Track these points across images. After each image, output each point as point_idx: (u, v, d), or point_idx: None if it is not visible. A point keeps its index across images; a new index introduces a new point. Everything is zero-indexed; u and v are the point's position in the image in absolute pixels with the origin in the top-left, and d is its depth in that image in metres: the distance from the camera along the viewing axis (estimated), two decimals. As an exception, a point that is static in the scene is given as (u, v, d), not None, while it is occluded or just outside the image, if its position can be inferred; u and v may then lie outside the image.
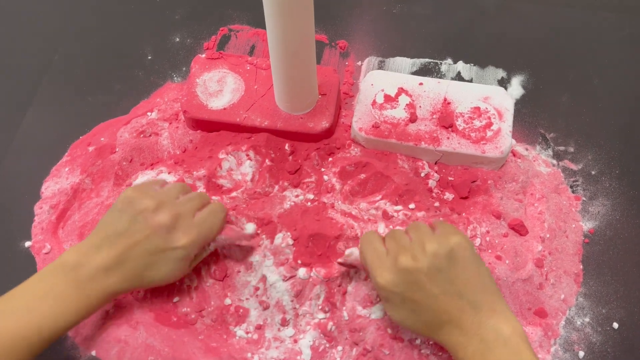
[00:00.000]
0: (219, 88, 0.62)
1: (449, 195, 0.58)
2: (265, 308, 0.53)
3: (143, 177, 0.59)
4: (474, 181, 0.58)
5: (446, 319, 0.44)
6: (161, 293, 0.54)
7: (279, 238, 0.55)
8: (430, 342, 0.51)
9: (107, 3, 0.76)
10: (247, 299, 0.53)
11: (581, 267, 0.56)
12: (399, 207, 0.56)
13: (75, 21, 0.74)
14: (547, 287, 0.54)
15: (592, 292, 0.55)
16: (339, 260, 0.51)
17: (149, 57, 0.70)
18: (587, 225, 0.59)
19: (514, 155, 0.60)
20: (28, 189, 0.61)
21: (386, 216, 0.56)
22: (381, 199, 0.57)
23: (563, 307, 0.54)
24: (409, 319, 0.46)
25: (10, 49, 0.72)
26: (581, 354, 0.52)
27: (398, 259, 0.45)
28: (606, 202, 0.60)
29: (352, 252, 0.50)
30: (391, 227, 0.55)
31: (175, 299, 0.54)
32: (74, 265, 0.47)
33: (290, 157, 0.60)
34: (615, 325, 0.53)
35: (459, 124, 0.58)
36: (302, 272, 0.53)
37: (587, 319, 0.54)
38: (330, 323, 0.52)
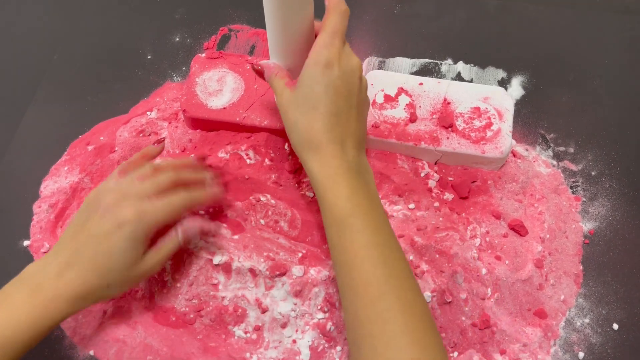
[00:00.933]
0: (218, 87, 0.62)
1: (448, 196, 0.58)
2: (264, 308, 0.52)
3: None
4: (474, 181, 0.58)
5: (330, 134, 0.46)
6: (160, 291, 0.54)
7: (278, 238, 0.54)
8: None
9: (107, 2, 0.76)
10: (246, 298, 0.53)
11: (581, 267, 0.56)
12: (399, 207, 0.56)
13: (75, 20, 0.74)
14: (547, 288, 0.54)
15: (592, 293, 0.55)
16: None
17: (149, 57, 0.70)
18: (587, 226, 0.59)
19: (514, 155, 0.60)
20: (27, 188, 0.61)
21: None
22: (381, 199, 0.57)
23: (563, 307, 0.54)
24: (302, 119, 0.46)
25: (10, 48, 0.72)
26: (581, 355, 0.52)
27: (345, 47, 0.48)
28: (606, 203, 0.60)
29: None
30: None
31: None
32: (32, 273, 0.46)
33: (290, 157, 0.60)
34: (616, 326, 0.53)
35: (459, 124, 0.58)
36: (301, 271, 0.53)
37: (587, 320, 0.54)
38: (330, 323, 0.52)
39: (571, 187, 0.61)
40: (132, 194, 0.48)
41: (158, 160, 0.55)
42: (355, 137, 0.48)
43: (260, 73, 0.53)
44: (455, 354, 0.51)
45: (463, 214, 0.57)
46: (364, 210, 0.44)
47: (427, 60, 0.69)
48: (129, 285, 0.49)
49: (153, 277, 0.54)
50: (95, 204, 0.48)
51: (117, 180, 0.50)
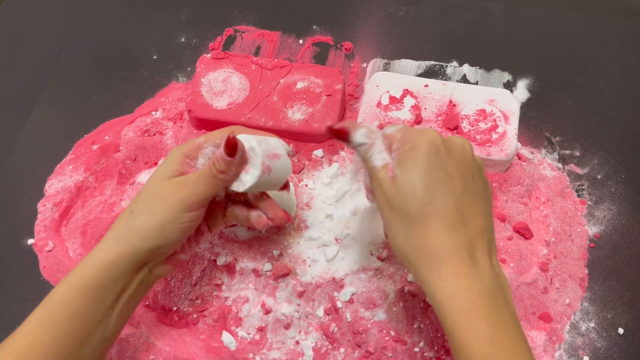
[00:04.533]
0: (223, 88, 0.62)
1: (453, 198, 0.57)
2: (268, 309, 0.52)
3: (147, 176, 0.59)
4: (479, 184, 0.58)
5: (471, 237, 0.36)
6: (163, 291, 0.53)
7: (282, 238, 0.54)
8: (435, 347, 0.50)
9: (113, 2, 0.76)
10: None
11: (586, 271, 0.56)
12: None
13: (82, 20, 0.74)
14: (552, 292, 0.54)
15: (597, 297, 0.55)
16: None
17: (155, 57, 0.70)
18: (592, 230, 0.58)
19: (519, 158, 0.60)
20: (32, 186, 0.61)
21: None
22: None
23: (568, 311, 0.54)
24: (410, 223, 0.37)
25: (17, 47, 0.72)
26: (586, 359, 0.52)
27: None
28: (612, 206, 0.59)
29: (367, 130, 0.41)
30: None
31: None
32: None
33: (295, 158, 0.60)
34: (621, 330, 0.53)
35: (465, 126, 0.58)
36: (305, 273, 0.53)
37: (592, 324, 0.53)
38: (333, 325, 0.52)
39: (577, 191, 0.60)
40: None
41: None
42: (485, 239, 0.37)
43: (340, 134, 0.41)
44: (459, 356, 0.51)
45: (468, 217, 0.56)
46: (506, 354, 0.34)
47: (432, 62, 0.69)
48: (159, 214, 0.42)
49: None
50: None
51: None
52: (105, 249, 0.42)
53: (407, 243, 0.37)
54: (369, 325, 0.51)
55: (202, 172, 0.43)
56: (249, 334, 0.52)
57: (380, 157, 0.40)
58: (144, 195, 0.44)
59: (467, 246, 0.36)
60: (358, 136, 0.40)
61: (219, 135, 0.46)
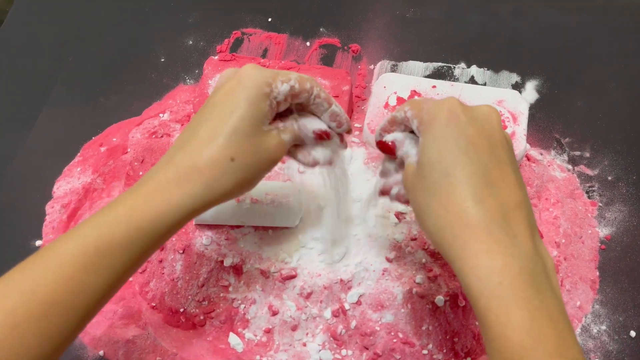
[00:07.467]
0: (231, 89, 0.62)
1: (462, 199, 0.57)
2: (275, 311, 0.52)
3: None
4: (488, 185, 0.57)
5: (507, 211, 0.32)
6: (170, 292, 0.53)
7: (289, 240, 0.54)
8: (444, 349, 0.50)
9: (121, 5, 0.76)
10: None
11: (597, 273, 0.55)
12: (411, 209, 0.56)
13: (89, 23, 0.75)
14: (563, 294, 0.53)
15: (609, 300, 0.54)
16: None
17: (162, 59, 0.71)
18: (603, 232, 0.58)
19: (529, 159, 0.60)
20: (40, 188, 0.61)
21: (398, 216, 0.55)
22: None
23: (579, 314, 0.53)
24: (433, 198, 0.33)
25: (25, 50, 0.73)
26: (597, 362, 0.51)
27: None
28: (623, 208, 0.59)
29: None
30: (404, 231, 0.54)
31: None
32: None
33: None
34: (633, 333, 0.52)
35: (473, 127, 0.58)
36: (312, 274, 0.52)
37: (603, 327, 0.53)
38: (340, 326, 0.51)
39: (587, 192, 0.60)
40: None
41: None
42: (524, 213, 0.33)
43: (390, 149, 0.40)
44: (469, 359, 0.50)
45: (476, 218, 0.56)
46: (551, 347, 0.29)
47: (440, 63, 0.69)
48: (255, 170, 0.39)
49: (163, 277, 0.53)
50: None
51: None
52: (193, 195, 0.36)
53: (433, 221, 0.33)
54: (377, 327, 0.51)
55: (295, 136, 0.41)
56: (256, 335, 0.52)
57: (409, 146, 0.39)
58: (242, 141, 0.37)
59: (499, 218, 0.31)
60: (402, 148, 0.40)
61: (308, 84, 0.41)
